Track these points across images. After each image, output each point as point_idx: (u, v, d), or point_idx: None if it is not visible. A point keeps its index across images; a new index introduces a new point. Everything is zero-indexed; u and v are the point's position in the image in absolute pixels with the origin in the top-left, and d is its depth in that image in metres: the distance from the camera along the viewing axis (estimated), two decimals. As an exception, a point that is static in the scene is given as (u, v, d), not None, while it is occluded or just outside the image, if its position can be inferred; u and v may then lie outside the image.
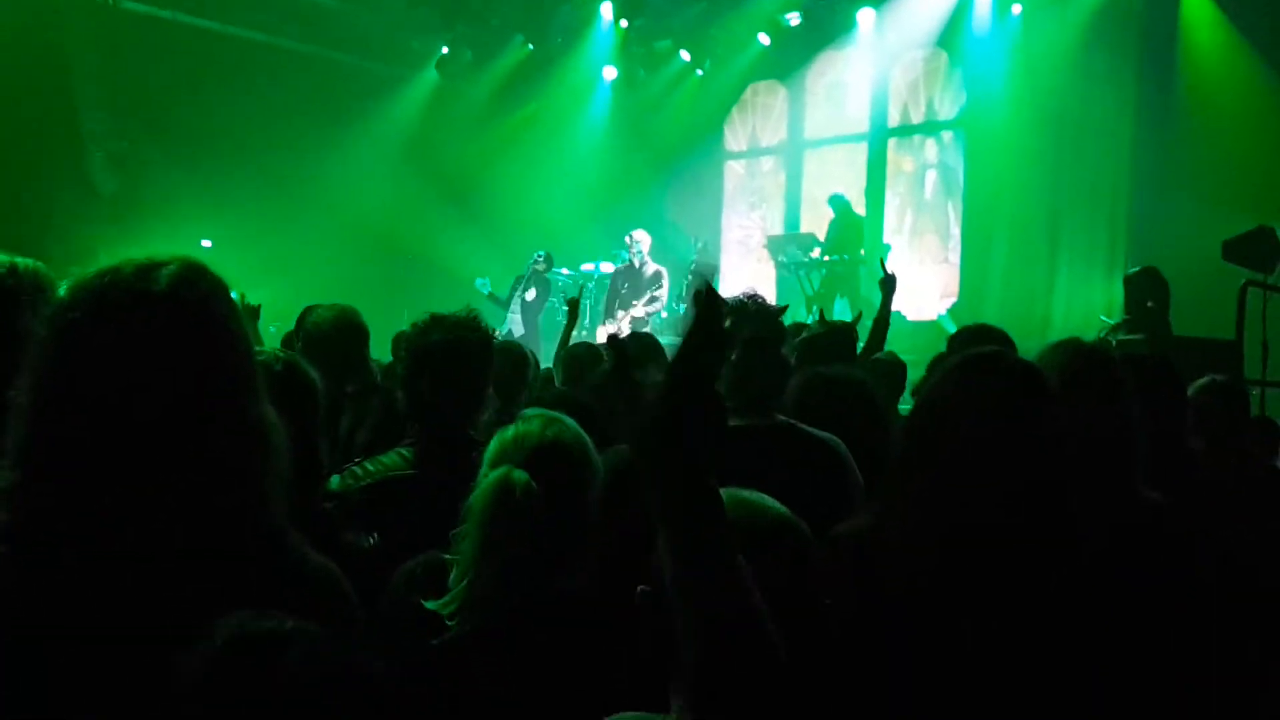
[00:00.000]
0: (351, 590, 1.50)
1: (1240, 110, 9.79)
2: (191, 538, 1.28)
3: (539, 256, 11.84)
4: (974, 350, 1.83)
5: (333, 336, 3.53)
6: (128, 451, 1.26)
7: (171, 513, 1.27)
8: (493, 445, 1.95)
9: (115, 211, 11.57)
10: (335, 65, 14.17)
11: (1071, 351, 2.11)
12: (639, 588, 1.41)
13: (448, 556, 1.89)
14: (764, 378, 2.80)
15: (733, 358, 2.76)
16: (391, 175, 13.55)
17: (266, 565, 1.34)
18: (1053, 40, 11.14)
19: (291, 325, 4.63)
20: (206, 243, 10.95)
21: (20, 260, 2.08)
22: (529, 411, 2.10)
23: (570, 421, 2.01)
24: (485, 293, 11.61)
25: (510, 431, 1.95)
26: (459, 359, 2.64)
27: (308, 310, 4.30)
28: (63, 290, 1.38)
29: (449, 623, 1.81)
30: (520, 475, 1.83)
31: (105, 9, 12.14)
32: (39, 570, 1.24)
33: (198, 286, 1.35)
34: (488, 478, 1.86)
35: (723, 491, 1.51)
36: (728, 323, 2.75)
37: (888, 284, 5.45)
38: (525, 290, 11.68)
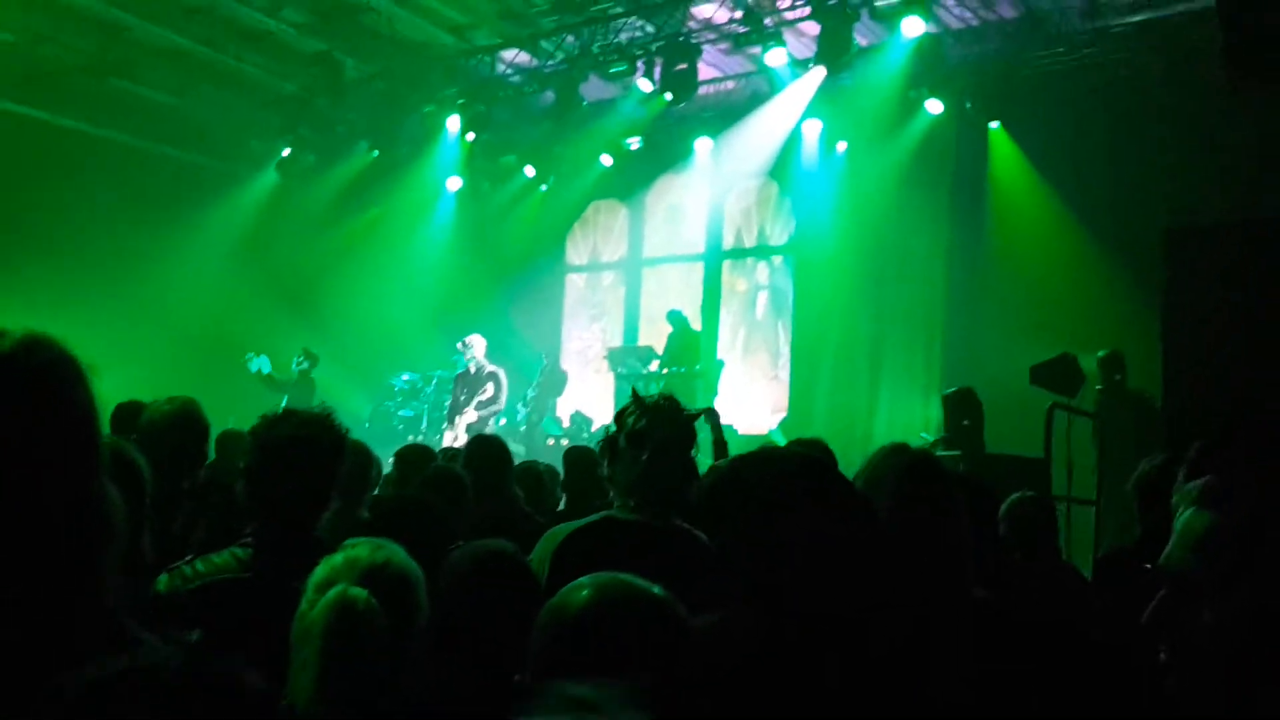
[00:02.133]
0: None
1: (1042, 244, 10.60)
2: (18, 620, 1.22)
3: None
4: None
5: (170, 430, 3.42)
6: None
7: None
8: (319, 571, 1.91)
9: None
10: (169, 160, 13.84)
11: (906, 464, 2.23)
12: (515, 677, 1.43)
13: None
14: (668, 480, 2.84)
15: (642, 458, 2.79)
16: (226, 273, 13.23)
17: (98, 636, 1.28)
18: (874, 175, 11.87)
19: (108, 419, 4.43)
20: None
21: None
22: (351, 541, 2.06)
23: (396, 546, 1.99)
24: (259, 371, 11.35)
25: (338, 557, 1.93)
26: (310, 454, 2.58)
27: (135, 406, 4.15)
28: None
29: None
30: (359, 591, 1.81)
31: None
32: None
33: (43, 353, 1.31)
34: (324, 598, 1.82)
35: (605, 574, 1.56)
36: (641, 424, 2.82)
37: (711, 415, 5.61)
38: None
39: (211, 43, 12.16)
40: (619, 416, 2.94)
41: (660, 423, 2.87)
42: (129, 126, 13.32)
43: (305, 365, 11.78)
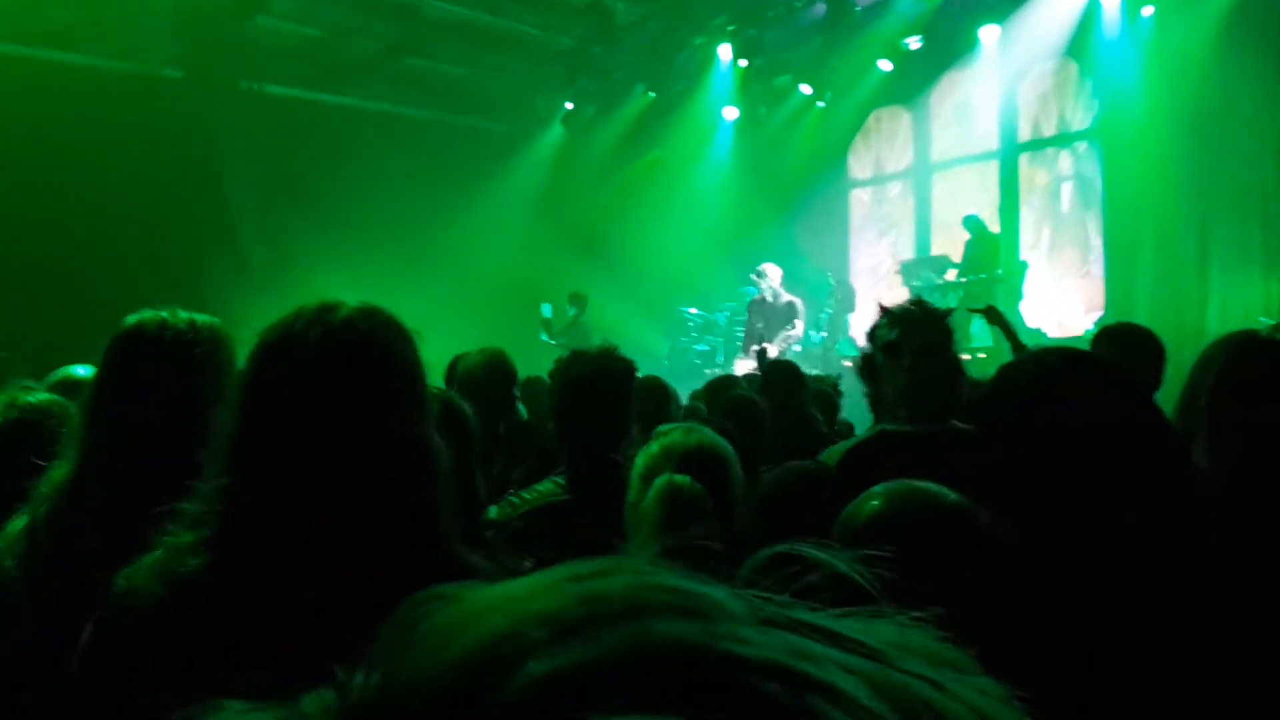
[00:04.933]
0: None
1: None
2: (371, 539, 1.37)
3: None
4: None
5: (484, 379, 3.66)
6: (312, 469, 1.37)
7: (355, 521, 1.37)
8: (639, 460, 2.02)
9: (264, 281, 12.18)
10: (462, 130, 14.71)
11: (1239, 346, 2.00)
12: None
13: None
14: (934, 385, 2.75)
15: (904, 364, 2.72)
16: (523, 230, 13.94)
17: (436, 566, 1.42)
18: (1188, 40, 10.72)
19: (438, 379, 4.77)
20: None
21: (199, 317, 2.22)
22: (664, 427, 2.16)
23: (705, 428, 2.12)
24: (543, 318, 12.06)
25: (654, 445, 2.02)
26: (600, 386, 2.77)
27: (457, 357, 4.45)
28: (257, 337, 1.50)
29: None
30: (682, 478, 1.91)
31: (250, 94, 12.89)
32: (241, 570, 1.36)
33: (377, 318, 1.47)
34: (652, 487, 1.91)
35: (898, 482, 1.52)
36: (894, 334, 2.74)
37: (992, 315, 5.27)
38: None
39: (493, 9, 12.71)
40: (871, 332, 2.85)
41: (912, 329, 2.76)
42: (427, 102, 14.29)
43: (573, 311, 12.34)
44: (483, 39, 13.42)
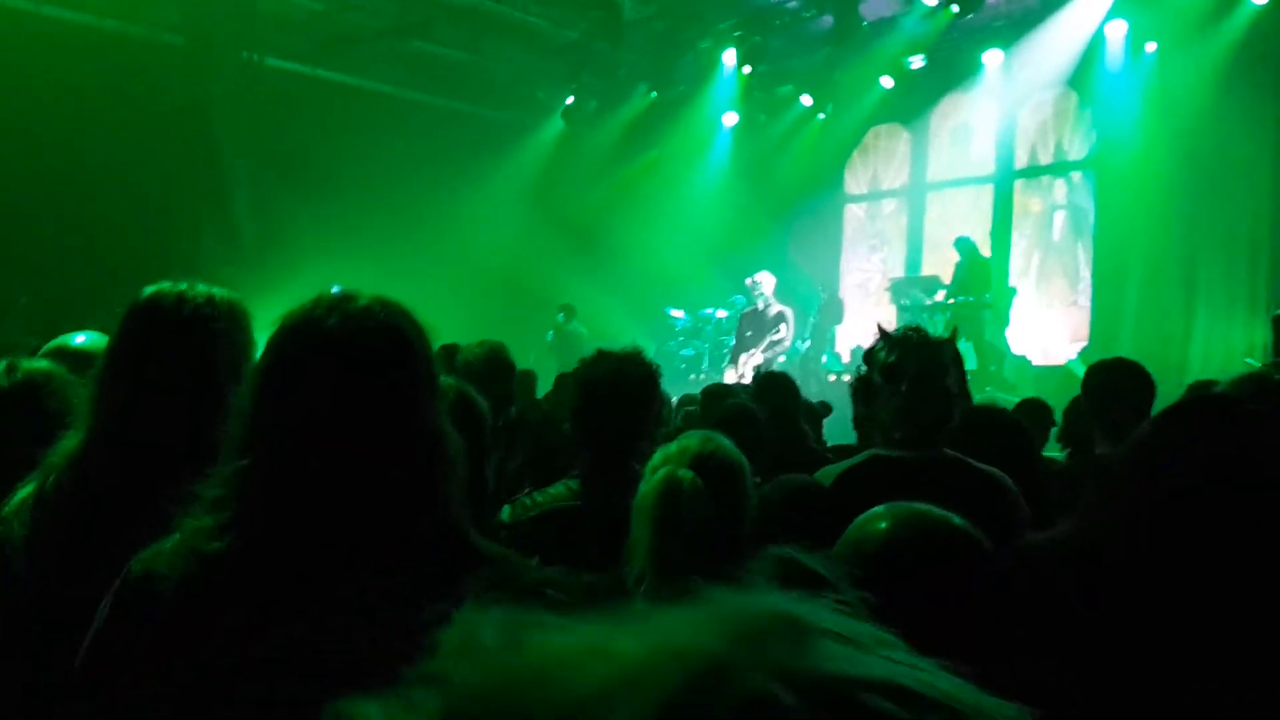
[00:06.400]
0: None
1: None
2: (389, 526, 1.40)
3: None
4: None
5: (485, 372, 3.66)
6: (332, 455, 1.39)
7: (374, 508, 1.40)
8: (655, 457, 2.04)
9: (257, 256, 12.10)
10: (461, 115, 14.67)
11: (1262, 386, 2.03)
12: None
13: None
14: (930, 411, 2.77)
15: (901, 389, 2.74)
16: (517, 220, 13.93)
17: (452, 549, 1.45)
18: (1189, 79, 10.83)
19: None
20: (336, 288, 11.35)
21: (218, 291, 2.20)
22: (688, 433, 2.18)
23: (726, 440, 2.11)
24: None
25: (672, 446, 2.05)
26: (623, 389, 2.74)
27: (452, 347, 4.44)
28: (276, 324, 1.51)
29: None
30: (685, 472, 1.93)
31: (250, 65, 12.80)
32: (264, 556, 1.36)
33: (392, 309, 1.47)
34: (653, 478, 1.93)
35: (903, 504, 1.53)
36: (893, 358, 2.76)
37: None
38: None
39: (500, -3, 12.69)
40: (869, 354, 2.88)
41: (911, 354, 2.78)
42: (426, 86, 14.23)
43: (560, 319, 12.57)
44: (487, 25, 13.36)
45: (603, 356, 2.83)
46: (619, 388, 2.73)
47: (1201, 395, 1.73)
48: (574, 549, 2.31)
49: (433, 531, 1.44)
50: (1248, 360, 8.71)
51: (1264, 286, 10.47)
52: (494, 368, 3.74)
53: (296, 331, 1.44)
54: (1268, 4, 10.13)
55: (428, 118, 14.24)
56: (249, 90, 12.71)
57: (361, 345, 1.42)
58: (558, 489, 2.72)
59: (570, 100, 14.50)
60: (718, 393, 5.17)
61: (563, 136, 14.99)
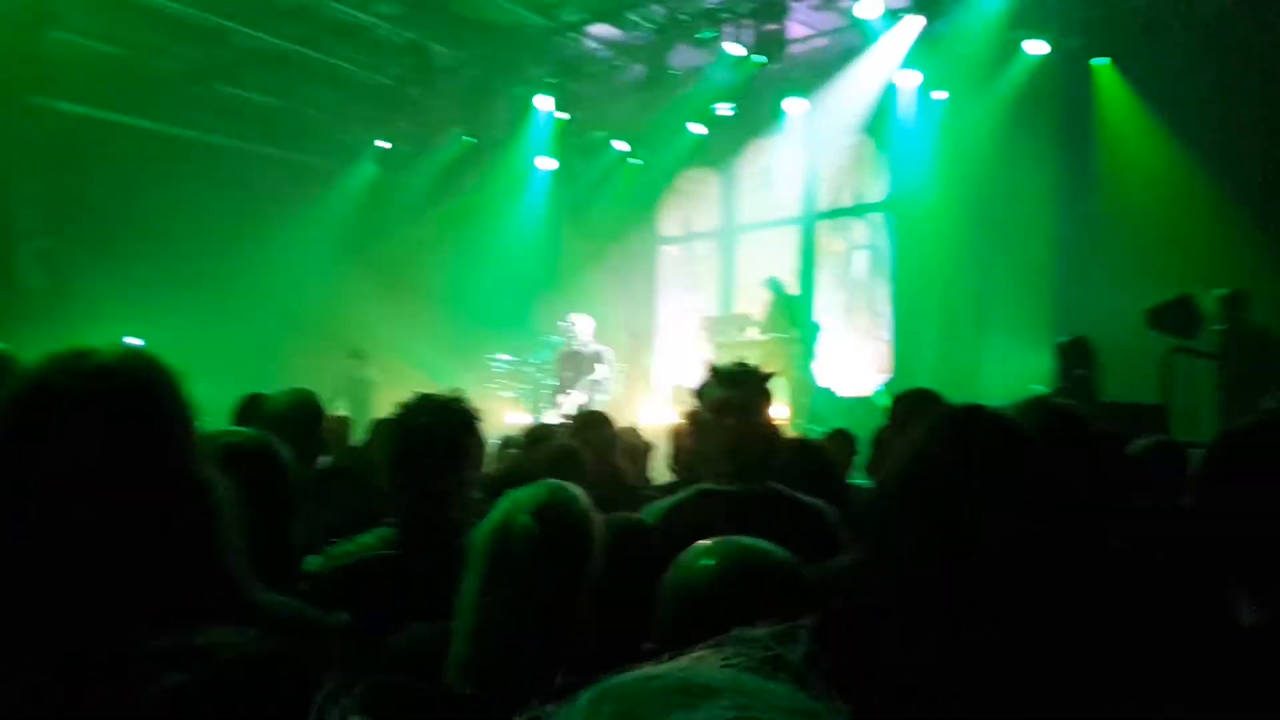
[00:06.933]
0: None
1: (1155, 183, 10.17)
2: (139, 586, 1.33)
3: None
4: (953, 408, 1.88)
5: (292, 420, 3.56)
6: (70, 522, 1.31)
7: (124, 575, 1.33)
8: (502, 503, 1.98)
9: (44, 308, 11.40)
10: (268, 160, 14.26)
11: (1044, 409, 2.19)
12: (644, 645, 1.45)
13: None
14: (758, 444, 2.84)
15: (728, 424, 2.80)
16: (328, 265, 13.61)
17: (223, 606, 1.39)
18: (975, 124, 11.53)
19: (220, 419, 4.56)
20: (136, 340, 10.79)
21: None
22: (545, 481, 2.12)
23: (578, 492, 2.04)
24: None
25: (523, 492, 2.00)
26: (441, 436, 2.65)
27: (259, 397, 4.30)
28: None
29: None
30: (524, 518, 1.88)
31: (39, 110, 12.11)
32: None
33: (135, 363, 1.44)
34: (487, 521, 1.90)
35: (726, 539, 1.58)
36: (722, 392, 2.84)
37: None
38: None
39: (308, 41, 12.44)
40: (699, 391, 2.94)
41: (739, 388, 2.87)
42: (234, 130, 13.78)
43: (348, 365, 12.57)
44: (296, 69, 13.09)
45: (422, 402, 2.73)
46: (440, 433, 2.65)
47: (931, 424, 1.86)
48: (391, 600, 2.25)
49: (201, 586, 1.38)
50: (1034, 386, 9.30)
51: (1047, 318, 11.17)
52: (302, 415, 3.64)
53: (27, 391, 1.38)
54: (1045, 55, 10.96)
55: (236, 163, 13.78)
56: (38, 135, 12.01)
57: (96, 398, 1.36)
58: (367, 538, 2.62)
59: (383, 144, 14.32)
60: (540, 435, 5.17)
61: (376, 180, 14.79)
